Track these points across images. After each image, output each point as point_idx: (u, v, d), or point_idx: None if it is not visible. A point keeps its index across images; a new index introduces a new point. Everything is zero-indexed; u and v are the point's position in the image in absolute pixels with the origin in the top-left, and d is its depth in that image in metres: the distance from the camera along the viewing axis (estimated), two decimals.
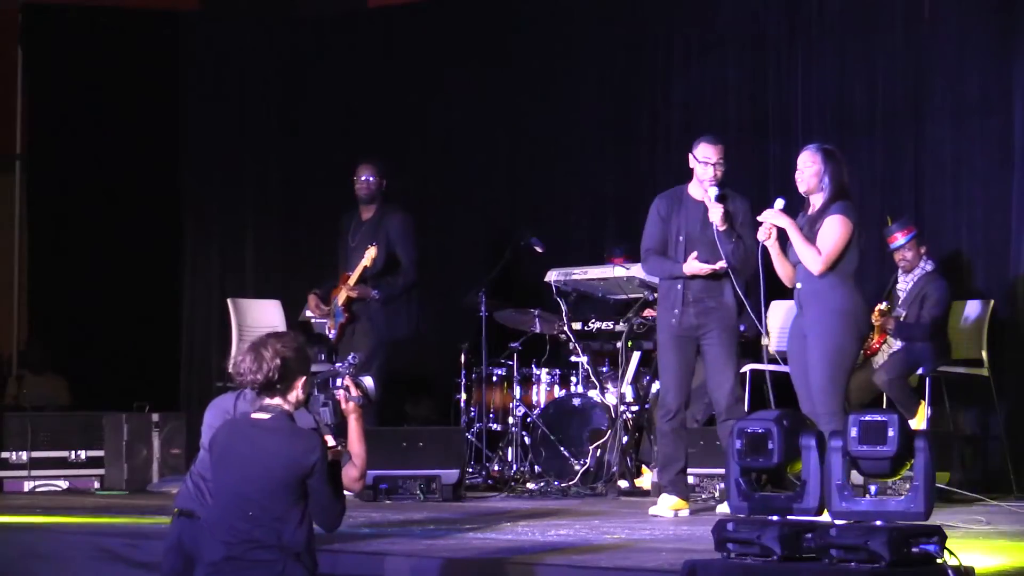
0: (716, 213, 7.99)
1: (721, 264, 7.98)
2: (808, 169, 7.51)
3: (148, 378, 12.02)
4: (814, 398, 7.38)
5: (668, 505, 8.04)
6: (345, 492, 5.31)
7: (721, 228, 7.98)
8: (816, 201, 7.54)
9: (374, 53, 12.55)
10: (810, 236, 7.46)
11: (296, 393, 5.22)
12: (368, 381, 6.45)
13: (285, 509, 5.08)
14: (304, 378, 5.24)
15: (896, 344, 9.27)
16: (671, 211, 8.17)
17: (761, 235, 7.65)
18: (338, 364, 7.47)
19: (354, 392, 5.66)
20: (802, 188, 7.56)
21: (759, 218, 7.63)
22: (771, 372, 8.43)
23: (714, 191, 8.02)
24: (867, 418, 5.10)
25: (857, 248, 7.46)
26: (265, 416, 5.19)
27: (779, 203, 7.67)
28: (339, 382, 6.52)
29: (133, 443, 10.47)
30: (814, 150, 7.55)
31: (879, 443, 5.07)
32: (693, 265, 8.02)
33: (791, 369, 7.62)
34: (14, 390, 12.06)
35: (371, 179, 9.95)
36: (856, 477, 5.25)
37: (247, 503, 5.09)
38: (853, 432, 5.09)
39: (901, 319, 9.28)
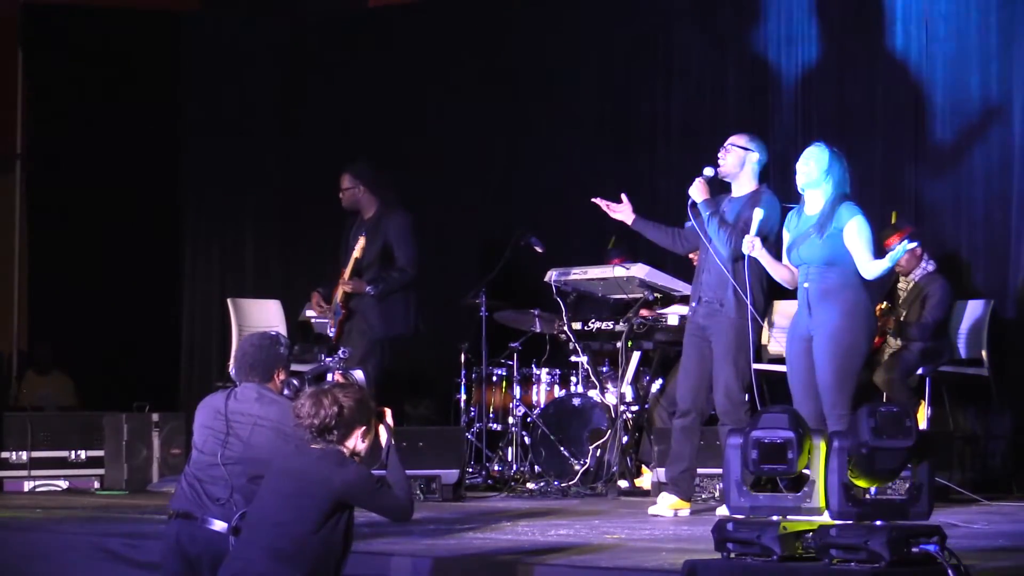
0: (694, 187, 8.01)
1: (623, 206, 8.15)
2: (814, 163, 7.48)
3: (148, 378, 12.02)
4: (824, 399, 7.34)
5: (667, 504, 8.03)
6: None
7: (697, 199, 7.99)
8: (814, 199, 7.51)
9: (374, 53, 12.55)
10: (817, 237, 7.43)
11: (355, 441, 5.35)
12: (358, 375, 6.46)
13: (309, 532, 5.18)
14: (364, 428, 5.33)
15: (896, 344, 9.27)
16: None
17: (745, 248, 7.66)
18: (328, 359, 7.47)
19: None
20: (801, 181, 7.51)
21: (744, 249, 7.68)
22: (768, 372, 8.43)
23: (708, 169, 8.05)
24: (884, 409, 5.10)
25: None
26: (319, 447, 5.33)
27: (757, 213, 7.68)
28: (329, 377, 6.53)
29: (133, 443, 10.46)
30: (824, 147, 7.53)
31: (898, 434, 5.07)
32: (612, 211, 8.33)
33: (789, 369, 7.60)
34: (17, 390, 12.05)
35: (346, 191, 9.97)
36: None
37: (275, 517, 5.20)
38: (870, 424, 5.07)
39: (901, 319, 9.28)
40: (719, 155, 8.08)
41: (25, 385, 12.01)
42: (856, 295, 7.42)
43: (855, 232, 7.38)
